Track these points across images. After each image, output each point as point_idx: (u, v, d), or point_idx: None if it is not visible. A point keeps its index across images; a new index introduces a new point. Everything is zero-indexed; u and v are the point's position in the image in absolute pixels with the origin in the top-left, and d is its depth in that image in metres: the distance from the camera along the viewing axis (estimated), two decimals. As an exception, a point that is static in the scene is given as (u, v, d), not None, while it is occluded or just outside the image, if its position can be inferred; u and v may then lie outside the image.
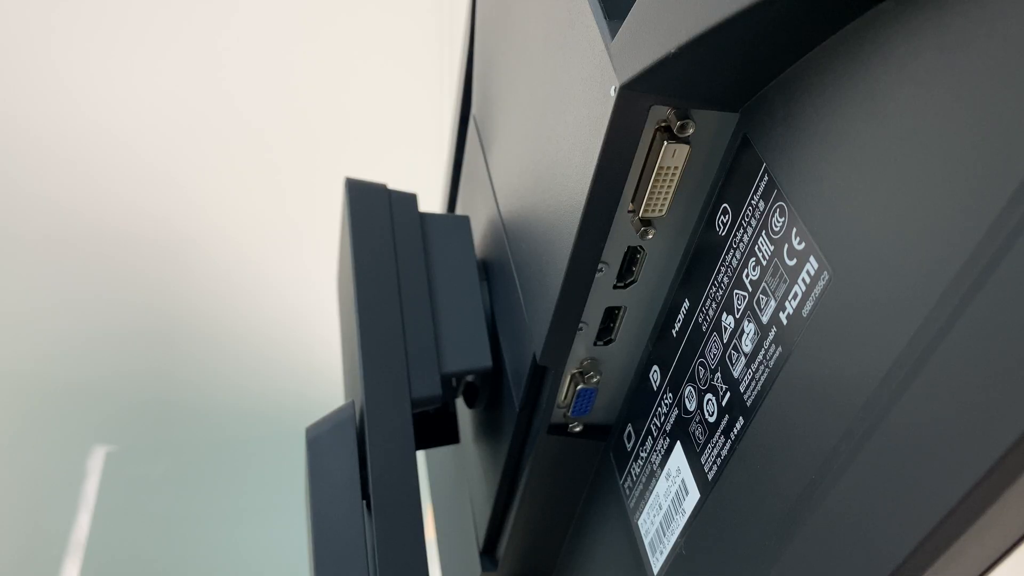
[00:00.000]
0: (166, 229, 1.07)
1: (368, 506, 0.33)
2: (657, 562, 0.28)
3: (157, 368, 1.16)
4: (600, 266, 0.28)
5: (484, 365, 0.38)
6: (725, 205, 0.24)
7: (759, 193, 0.22)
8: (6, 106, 0.95)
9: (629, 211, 0.26)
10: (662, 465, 0.28)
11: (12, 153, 0.97)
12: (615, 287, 0.28)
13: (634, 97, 0.23)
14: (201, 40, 0.93)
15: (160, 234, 1.07)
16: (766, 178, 0.22)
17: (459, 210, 0.55)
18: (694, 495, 0.25)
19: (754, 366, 0.22)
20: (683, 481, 0.26)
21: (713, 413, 0.24)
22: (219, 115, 0.98)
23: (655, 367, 0.29)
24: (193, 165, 1.02)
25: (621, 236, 0.27)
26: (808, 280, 0.20)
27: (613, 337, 0.30)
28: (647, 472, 0.29)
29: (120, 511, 1.12)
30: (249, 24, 0.92)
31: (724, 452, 0.24)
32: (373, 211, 0.41)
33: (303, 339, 1.10)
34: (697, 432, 0.25)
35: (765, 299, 0.22)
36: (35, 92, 0.94)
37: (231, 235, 1.09)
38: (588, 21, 0.26)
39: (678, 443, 0.27)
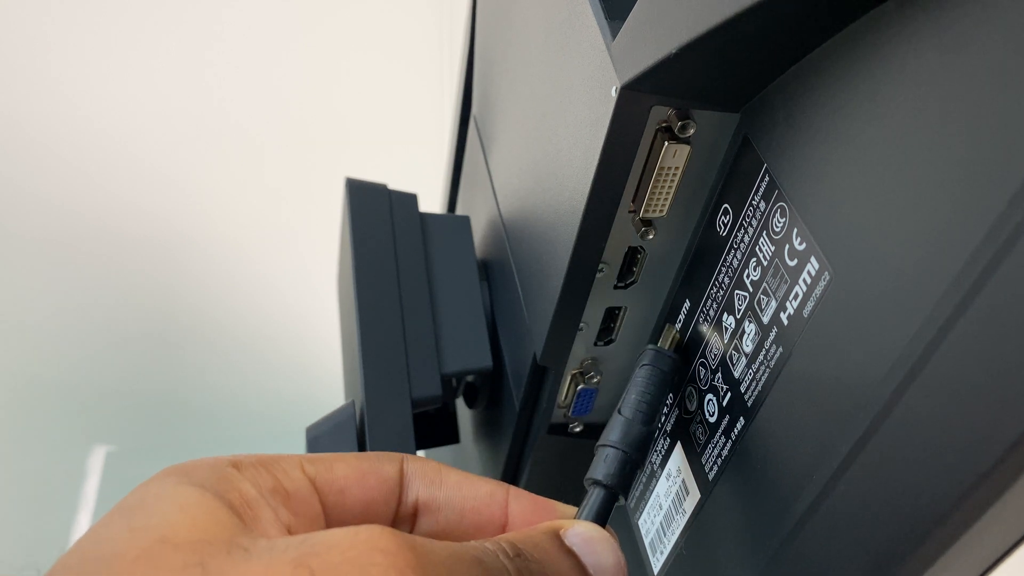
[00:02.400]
0: (166, 229, 1.07)
1: (369, 506, 0.33)
2: (657, 562, 0.28)
3: (157, 368, 1.16)
4: (600, 266, 0.28)
5: (484, 365, 0.38)
6: (726, 205, 0.24)
7: (760, 193, 0.22)
8: (5, 107, 0.95)
9: (630, 211, 0.26)
10: (662, 465, 0.28)
11: (12, 153, 0.97)
12: (615, 287, 0.28)
13: (635, 97, 0.23)
14: (200, 40, 0.93)
15: (160, 234, 1.07)
16: (767, 178, 0.22)
17: (459, 210, 0.55)
18: (694, 495, 0.25)
19: (755, 366, 0.22)
20: (683, 481, 0.26)
21: (714, 413, 0.24)
22: (219, 115, 0.98)
23: (655, 367, 0.29)
24: (194, 166, 1.01)
25: (622, 236, 0.27)
26: (809, 280, 0.20)
27: (614, 337, 0.31)
28: (647, 472, 0.29)
29: (120, 511, 1.12)
30: (249, 23, 0.92)
31: (725, 452, 0.24)
32: (373, 211, 0.41)
33: (303, 339, 1.10)
34: (698, 432, 0.25)
35: (766, 299, 0.22)
36: (33, 93, 0.94)
37: (231, 235, 1.09)
38: (589, 21, 0.26)
39: (679, 443, 0.27)
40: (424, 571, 0.15)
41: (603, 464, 0.23)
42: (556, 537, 0.19)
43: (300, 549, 0.15)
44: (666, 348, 0.26)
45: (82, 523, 1.10)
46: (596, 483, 0.23)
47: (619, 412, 0.24)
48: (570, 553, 0.19)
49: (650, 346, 0.26)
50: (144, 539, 0.15)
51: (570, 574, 0.18)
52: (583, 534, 0.19)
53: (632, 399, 0.25)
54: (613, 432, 0.24)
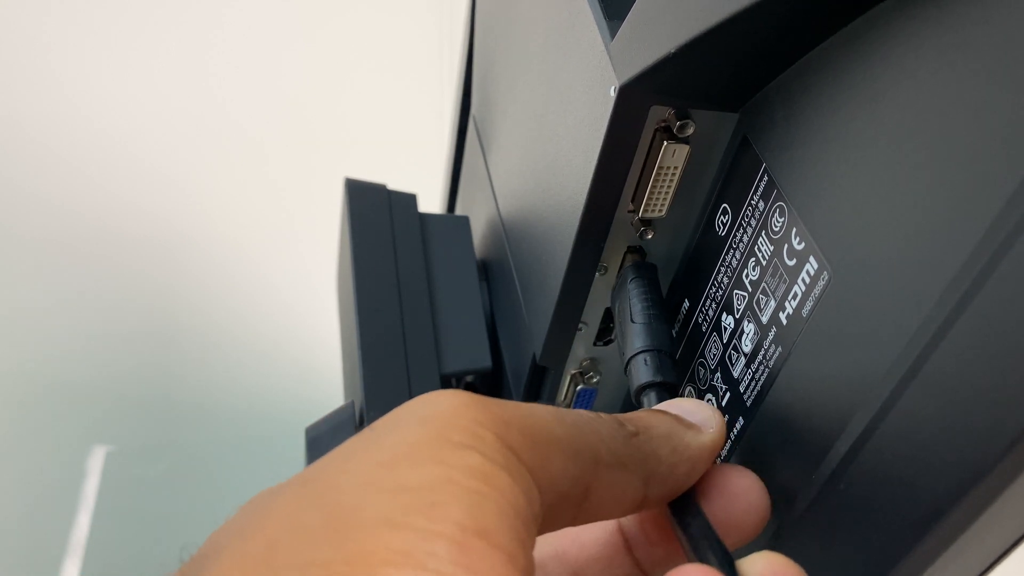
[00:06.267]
0: (166, 229, 1.07)
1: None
2: (657, 562, 0.28)
3: (157, 368, 1.16)
4: (600, 266, 0.28)
5: (484, 366, 0.38)
6: (725, 205, 0.24)
7: (759, 193, 0.22)
8: (5, 107, 0.95)
9: (629, 211, 0.26)
10: (662, 465, 0.28)
11: (12, 153, 0.97)
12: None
13: (634, 97, 0.23)
14: (199, 40, 0.93)
15: (160, 234, 1.07)
16: (766, 178, 0.22)
17: (458, 211, 0.55)
18: (694, 495, 0.25)
19: (754, 366, 0.22)
20: (683, 481, 0.26)
21: (713, 413, 0.24)
22: (219, 116, 0.98)
23: (655, 367, 0.29)
24: (193, 166, 1.02)
25: (621, 236, 0.27)
26: (808, 280, 0.20)
27: (613, 338, 0.30)
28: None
29: (120, 511, 1.12)
30: (249, 24, 0.92)
31: (724, 452, 0.24)
32: (373, 211, 0.41)
33: (303, 339, 1.10)
34: (697, 432, 0.25)
35: (765, 299, 0.22)
36: (33, 93, 0.94)
37: (231, 235, 1.09)
38: (588, 21, 0.26)
39: (678, 443, 0.27)
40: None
41: (643, 368, 0.23)
42: (643, 411, 0.19)
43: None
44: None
45: (82, 523, 1.10)
46: (645, 388, 0.22)
47: (632, 321, 0.24)
48: (661, 411, 0.19)
49: (627, 265, 0.26)
50: None
51: (670, 424, 0.18)
52: (657, 404, 0.20)
53: (639, 307, 0.24)
54: (637, 339, 0.23)
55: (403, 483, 0.13)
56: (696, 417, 0.19)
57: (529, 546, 0.13)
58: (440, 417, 0.14)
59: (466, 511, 0.12)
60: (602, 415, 0.17)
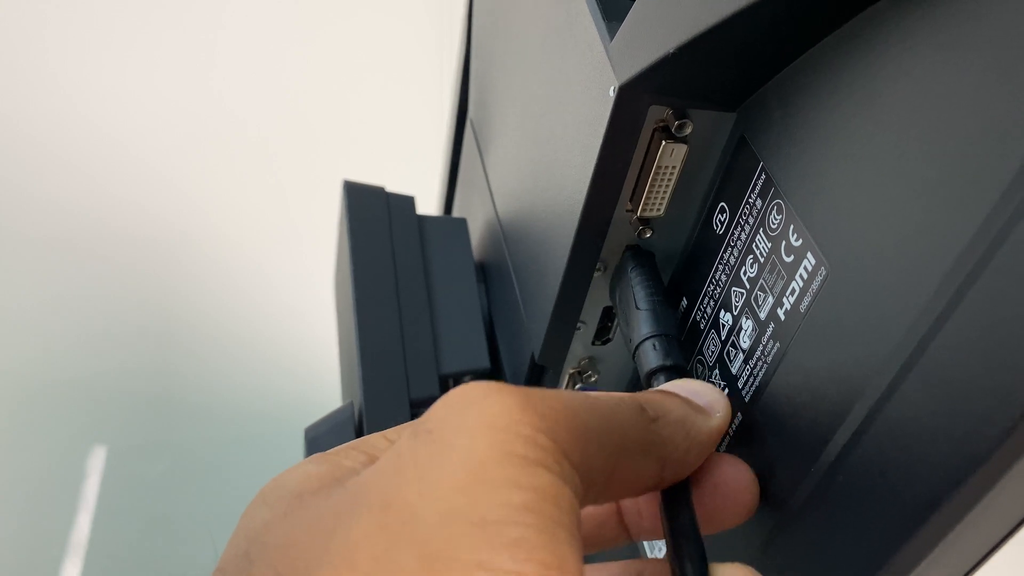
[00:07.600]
0: (166, 229, 1.07)
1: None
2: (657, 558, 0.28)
3: (157, 368, 1.16)
4: (598, 265, 0.28)
5: (482, 366, 0.38)
6: (723, 204, 0.24)
7: (756, 191, 0.22)
8: (5, 107, 0.95)
9: (627, 210, 0.26)
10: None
11: (12, 153, 0.97)
12: (614, 286, 0.29)
13: (633, 97, 0.23)
14: (200, 41, 0.93)
15: (161, 234, 1.07)
16: (763, 176, 0.22)
17: (456, 213, 0.55)
18: (692, 492, 0.26)
19: (752, 362, 0.22)
20: (681, 478, 0.26)
21: (711, 410, 0.24)
22: (219, 117, 0.98)
23: (653, 365, 0.29)
24: (194, 166, 1.02)
25: (619, 235, 0.27)
26: (805, 276, 0.20)
27: (611, 336, 0.31)
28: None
29: (120, 511, 1.12)
30: (249, 26, 0.92)
31: (723, 449, 0.24)
32: (371, 213, 0.41)
33: (303, 339, 1.10)
34: (695, 430, 0.25)
35: (763, 296, 0.22)
36: (33, 93, 0.94)
37: (231, 236, 1.09)
38: (587, 22, 0.26)
39: (676, 441, 0.27)
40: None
41: (652, 353, 0.23)
42: (656, 391, 0.20)
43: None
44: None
45: (82, 523, 1.10)
46: (655, 372, 0.23)
47: (637, 308, 0.24)
48: (670, 393, 0.20)
49: (625, 252, 0.27)
50: None
51: (684, 409, 0.19)
52: (667, 384, 0.21)
53: (643, 293, 0.25)
54: (644, 326, 0.24)
55: (486, 515, 0.13)
56: (704, 399, 0.20)
57: (581, 550, 0.14)
58: (501, 425, 0.15)
59: (546, 546, 0.13)
60: (625, 399, 0.18)
